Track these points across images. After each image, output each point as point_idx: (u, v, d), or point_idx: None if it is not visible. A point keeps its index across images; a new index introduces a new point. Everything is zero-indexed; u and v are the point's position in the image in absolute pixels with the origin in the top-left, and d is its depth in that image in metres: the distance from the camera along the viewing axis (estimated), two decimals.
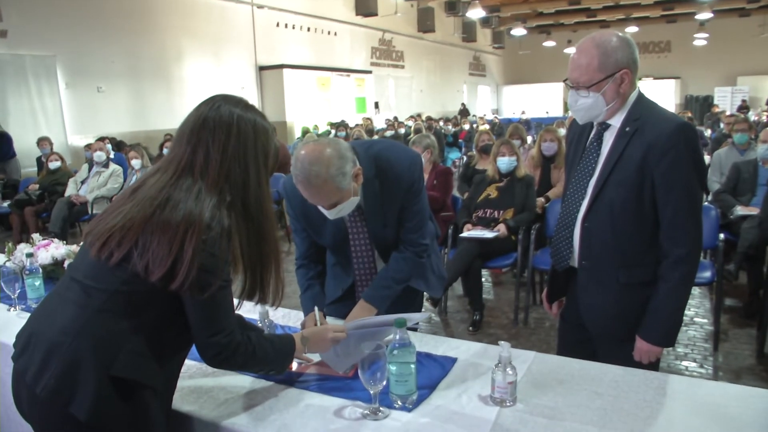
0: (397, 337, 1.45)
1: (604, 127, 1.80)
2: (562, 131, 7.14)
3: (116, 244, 1.27)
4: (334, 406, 1.49)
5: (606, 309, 1.85)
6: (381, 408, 1.44)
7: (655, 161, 1.67)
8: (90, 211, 6.14)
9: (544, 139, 5.11)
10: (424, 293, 2.28)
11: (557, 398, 1.50)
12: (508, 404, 1.46)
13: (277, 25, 12.94)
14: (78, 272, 1.35)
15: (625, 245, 1.77)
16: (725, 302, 4.22)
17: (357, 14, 15.12)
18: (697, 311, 4.20)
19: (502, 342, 1.47)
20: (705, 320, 4.03)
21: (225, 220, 1.30)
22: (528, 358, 1.71)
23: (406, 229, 1.99)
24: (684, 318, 3.90)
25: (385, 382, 1.43)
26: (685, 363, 3.42)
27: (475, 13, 15.41)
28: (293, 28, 13.20)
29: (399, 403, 1.46)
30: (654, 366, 1.85)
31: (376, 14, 15.17)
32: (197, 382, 1.65)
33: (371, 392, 1.43)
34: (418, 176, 1.96)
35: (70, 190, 6.32)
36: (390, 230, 2.00)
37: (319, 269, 2.14)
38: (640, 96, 1.77)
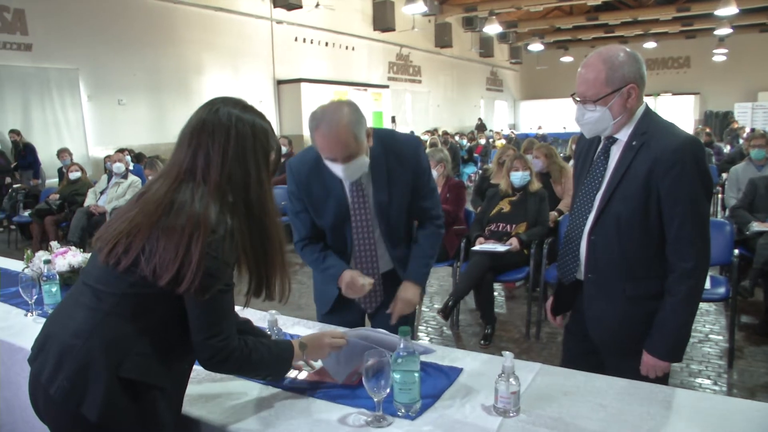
0: (402, 345, 1.47)
1: (611, 141, 1.81)
2: (555, 149, 7.12)
3: (123, 250, 1.31)
4: (339, 413, 1.51)
5: (612, 322, 1.85)
6: (385, 416, 1.45)
7: (660, 175, 1.68)
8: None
9: (534, 155, 5.08)
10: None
11: (561, 409, 1.50)
12: (511, 414, 1.47)
13: (296, 39, 13.11)
14: (89, 277, 1.40)
15: (632, 258, 1.77)
16: (741, 319, 4.17)
17: (375, 29, 15.28)
18: (713, 328, 4.15)
19: (506, 352, 1.48)
20: (720, 337, 3.98)
21: (228, 221, 1.33)
22: (534, 369, 1.71)
23: (427, 207, 2.16)
24: (698, 334, 3.91)
25: (389, 390, 1.45)
26: (699, 380, 3.38)
27: (493, 29, 15.47)
28: (311, 42, 13.36)
29: (402, 411, 1.48)
30: (663, 380, 1.83)
31: (393, 29, 15.31)
32: (205, 387, 1.68)
33: (375, 400, 1.45)
34: (423, 154, 2.13)
35: (89, 201, 6.44)
36: (394, 209, 2.06)
37: (324, 246, 2.16)
38: (647, 111, 1.78)
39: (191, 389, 1.57)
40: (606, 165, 1.82)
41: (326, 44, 13.78)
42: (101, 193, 6.45)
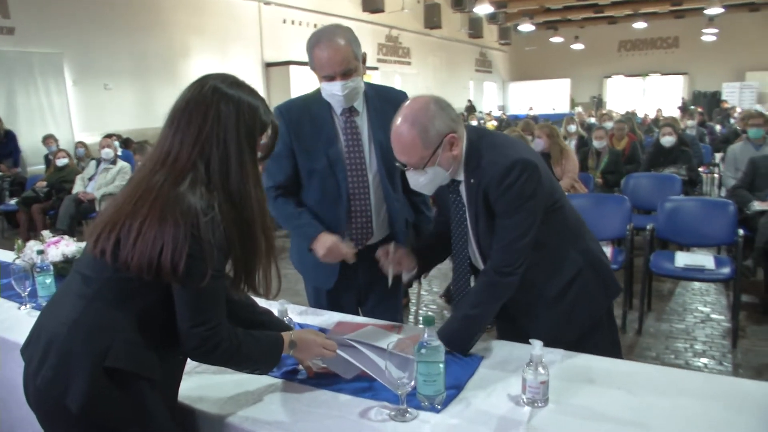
0: (426, 336, 1.40)
1: (456, 183, 1.76)
2: (573, 128, 7.10)
3: (106, 236, 1.25)
4: (359, 407, 1.44)
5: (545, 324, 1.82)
6: (409, 409, 1.39)
7: (493, 202, 1.67)
8: (97, 208, 6.11)
9: (536, 134, 5.19)
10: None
11: (590, 398, 1.45)
12: (540, 405, 1.41)
13: (284, 21, 12.88)
14: (80, 265, 1.36)
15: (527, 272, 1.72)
16: (741, 298, 4.16)
17: (364, 11, 15.05)
18: (714, 308, 4.14)
19: (534, 340, 1.42)
20: (722, 317, 3.97)
21: (208, 204, 1.25)
22: (556, 357, 1.65)
23: None
24: (700, 314, 3.90)
25: (413, 383, 1.38)
26: (704, 360, 3.37)
27: (483, 9, 15.28)
28: (300, 24, 13.14)
29: (426, 403, 1.42)
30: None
31: (382, 11, 15.10)
32: (207, 378, 1.60)
33: (398, 393, 1.38)
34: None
35: (77, 188, 6.29)
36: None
37: (299, 203, 2.09)
38: (470, 145, 1.70)
39: (189, 381, 1.50)
40: (462, 204, 1.78)
41: (315, 26, 13.54)
42: (90, 179, 6.30)
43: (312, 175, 2.06)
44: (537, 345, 1.42)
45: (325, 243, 1.96)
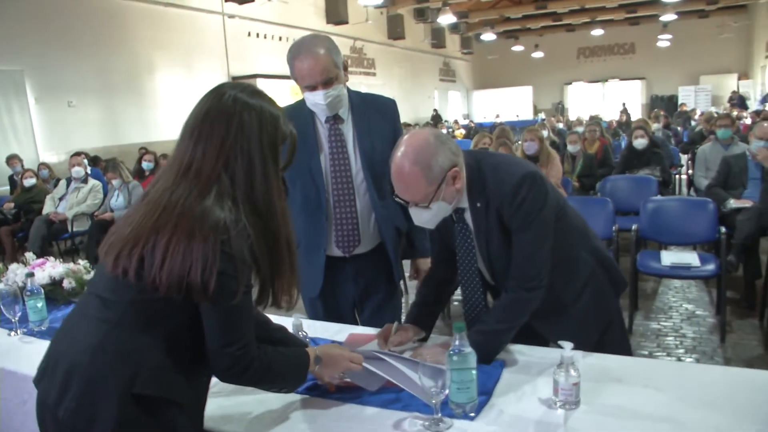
0: (457, 342, 1.38)
1: (461, 211, 1.76)
2: (545, 133, 7.22)
3: (127, 255, 1.18)
4: (391, 419, 1.41)
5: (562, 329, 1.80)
6: (443, 418, 1.36)
7: (508, 220, 1.67)
8: (70, 229, 5.91)
9: (526, 138, 5.29)
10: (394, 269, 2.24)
11: (621, 397, 1.45)
12: (572, 407, 1.40)
13: (249, 34, 12.78)
14: (97, 287, 1.28)
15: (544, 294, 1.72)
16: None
17: (328, 22, 15.04)
18: (697, 304, 4.22)
19: (564, 342, 1.41)
20: (706, 313, 4.05)
21: (236, 218, 1.20)
22: (577, 357, 1.64)
23: None
24: (685, 311, 3.96)
25: (447, 391, 1.35)
26: (695, 355, 3.42)
27: (446, 19, 15.45)
28: (265, 37, 13.06)
29: (459, 411, 1.39)
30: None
31: (346, 22, 15.12)
32: (228, 399, 1.55)
33: (432, 402, 1.35)
34: (399, 115, 2.22)
35: (48, 208, 6.07)
36: (378, 155, 2.03)
37: None
38: (471, 171, 1.70)
39: (210, 403, 1.44)
40: (469, 231, 1.77)
41: (279, 38, 13.49)
42: (60, 199, 6.10)
43: (294, 183, 2.05)
44: (567, 346, 1.41)
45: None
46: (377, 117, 2.12)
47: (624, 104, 19.43)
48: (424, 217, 1.68)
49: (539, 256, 1.66)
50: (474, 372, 1.39)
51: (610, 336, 1.89)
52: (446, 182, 1.62)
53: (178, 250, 1.16)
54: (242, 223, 1.21)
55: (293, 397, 1.52)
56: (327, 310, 2.16)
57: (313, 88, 1.95)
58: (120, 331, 1.20)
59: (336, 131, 2.06)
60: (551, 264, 1.70)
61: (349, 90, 2.08)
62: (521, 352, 1.73)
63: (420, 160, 1.58)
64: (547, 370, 1.55)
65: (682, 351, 3.49)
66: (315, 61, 1.91)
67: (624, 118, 14.53)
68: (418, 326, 1.86)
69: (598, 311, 1.84)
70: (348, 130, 2.08)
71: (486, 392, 1.49)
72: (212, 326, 1.22)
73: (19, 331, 2.13)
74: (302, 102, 2.05)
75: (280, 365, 1.36)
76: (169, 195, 1.22)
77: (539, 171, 1.72)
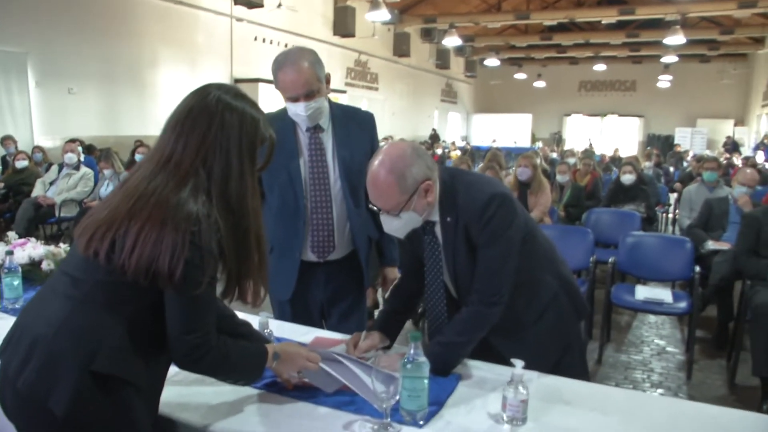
0: (412, 351, 1.42)
1: (431, 224, 1.82)
2: (537, 161, 7.31)
3: (100, 238, 1.23)
4: (342, 419, 1.45)
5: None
6: (392, 423, 1.40)
7: (476, 236, 1.72)
8: (57, 214, 5.93)
9: (520, 164, 5.35)
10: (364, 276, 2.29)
11: (567, 418, 1.49)
12: (518, 423, 1.45)
13: (255, 39, 12.87)
14: (68, 266, 1.33)
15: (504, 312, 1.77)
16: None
17: (335, 34, 15.18)
18: (669, 341, 4.28)
19: (516, 360, 1.46)
20: (677, 350, 4.10)
21: (206, 212, 1.25)
22: (532, 377, 1.69)
23: None
24: (656, 347, 4.02)
25: (398, 397, 1.40)
26: (660, 390, 3.47)
27: (451, 41, 15.62)
28: (271, 43, 13.15)
29: (409, 418, 1.43)
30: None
31: (353, 35, 15.25)
32: (186, 389, 1.58)
33: (383, 407, 1.39)
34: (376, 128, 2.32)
35: (37, 191, 6.09)
36: (355, 165, 2.11)
37: None
38: (444, 186, 1.76)
39: (170, 390, 1.47)
40: (438, 244, 1.83)
41: (285, 45, 13.59)
42: (51, 183, 6.12)
43: (272, 189, 2.12)
44: (519, 364, 1.45)
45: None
46: (356, 128, 2.20)
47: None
48: (394, 225, 1.73)
49: (501, 274, 1.71)
50: (426, 381, 1.43)
51: (569, 359, 1.93)
52: (419, 194, 1.68)
53: (150, 237, 1.20)
54: (214, 217, 1.26)
55: (250, 391, 1.56)
56: (295, 313, 2.21)
57: (295, 99, 2.02)
58: (85, 309, 1.24)
59: (316, 140, 2.13)
60: (514, 283, 1.75)
61: (330, 102, 2.15)
62: (479, 367, 1.78)
63: (395, 169, 1.65)
64: (501, 386, 1.58)
65: (648, 385, 3.54)
66: (298, 74, 1.98)
67: (616, 154, 14.65)
68: (384, 334, 1.90)
69: (557, 334, 1.89)
70: (328, 139, 2.15)
71: (438, 402, 1.53)
72: (174, 313, 1.27)
73: None
74: (284, 110, 2.12)
75: (238, 357, 1.40)
76: (147, 183, 1.27)
77: (510, 192, 1.78)
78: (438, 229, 1.80)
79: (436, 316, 1.91)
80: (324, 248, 2.15)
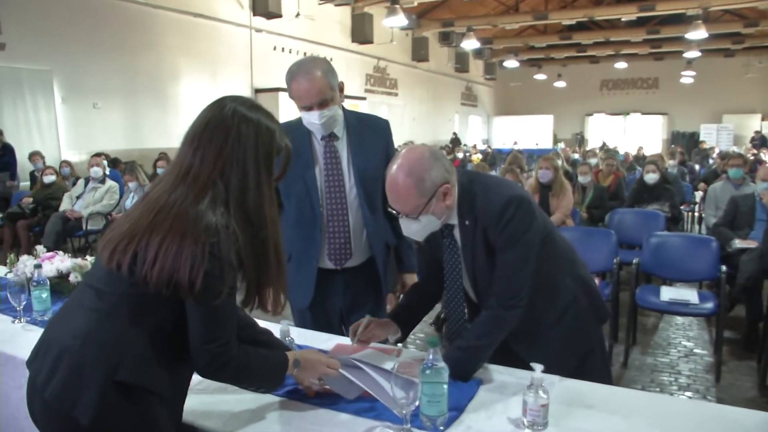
0: (431, 357, 1.43)
1: (450, 227, 1.82)
2: (559, 163, 7.25)
3: (122, 250, 1.26)
4: (362, 426, 1.46)
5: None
6: (412, 429, 1.41)
7: (493, 239, 1.73)
8: (84, 227, 6.06)
9: (540, 166, 5.31)
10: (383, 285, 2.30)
11: (587, 422, 1.48)
12: (539, 428, 1.44)
13: (274, 48, 13.01)
14: (92, 279, 1.37)
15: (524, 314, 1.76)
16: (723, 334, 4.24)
17: (353, 41, 15.27)
18: (696, 342, 4.21)
19: (535, 364, 1.46)
20: (705, 351, 4.04)
21: (226, 223, 1.27)
22: (553, 381, 1.69)
23: None
24: (683, 349, 3.96)
25: (418, 403, 1.40)
26: (688, 393, 3.41)
27: (470, 44, 15.60)
28: (290, 52, 13.29)
29: (429, 424, 1.44)
30: None
31: (371, 42, 15.33)
32: (208, 397, 1.61)
33: (402, 413, 1.40)
34: (392, 135, 2.32)
35: (64, 205, 6.24)
36: (370, 173, 2.14)
37: None
38: (462, 189, 1.77)
39: (192, 399, 1.50)
40: (456, 247, 1.84)
41: (304, 54, 13.71)
42: (78, 197, 6.26)
43: (289, 198, 2.15)
44: (538, 368, 1.45)
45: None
46: (371, 136, 2.22)
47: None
48: (413, 229, 1.74)
49: (520, 277, 1.71)
50: (445, 386, 1.43)
51: (591, 364, 1.92)
52: (437, 197, 1.69)
53: (171, 249, 1.23)
54: (232, 227, 1.29)
55: (271, 398, 1.58)
56: (315, 321, 2.23)
57: (309, 108, 2.05)
58: (109, 321, 1.28)
59: (331, 148, 2.16)
60: (533, 286, 1.75)
61: (344, 110, 2.18)
62: (499, 371, 1.77)
63: (414, 172, 1.66)
64: (522, 391, 1.58)
65: (675, 388, 3.49)
66: (311, 83, 2.01)
67: (640, 152, 14.44)
68: (397, 324, 1.92)
69: (577, 337, 1.88)
70: (342, 147, 2.17)
71: (458, 408, 1.53)
72: (196, 323, 1.29)
73: (22, 319, 2.22)
74: (299, 120, 2.15)
75: (259, 365, 1.42)
76: (167, 196, 1.30)
77: (528, 195, 1.78)
78: (457, 233, 1.81)
79: (455, 319, 1.91)
80: (341, 255, 2.17)
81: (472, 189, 1.77)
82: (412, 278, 2.35)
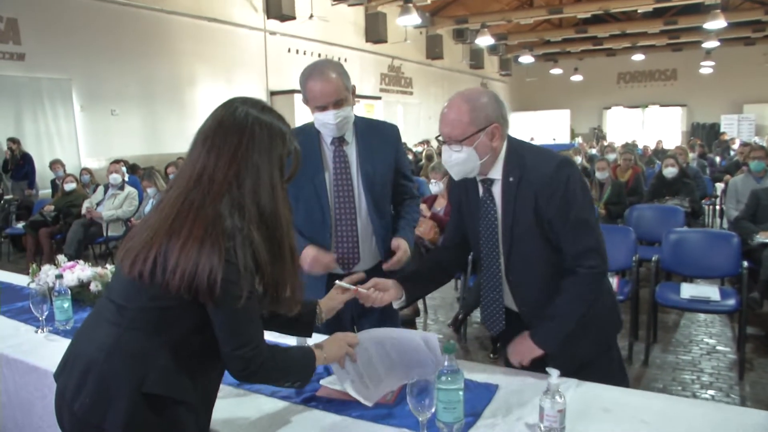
0: (446, 363, 1.43)
1: (489, 182, 1.81)
2: (578, 159, 7.19)
3: (142, 259, 1.27)
4: None
5: None
6: None
7: (545, 204, 1.71)
8: (105, 233, 6.14)
9: None
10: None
11: (604, 426, 1.47)
12: None
13: (288, 50, 13.08)
14: (113, 292, 1.38)
15: (553, 285, 1.76)
16: (747, 331, 4.18)
17: (367, 41, 15.29)
18: (719, 339, 4.15)
19: (551, 369, 1.45)
20: (727, 349, 3.98)
21: (242, 226, 1.28)
22: (570, 385, 1.68)
23: (408, 185, 2.35)
24: (705, 346, 3.91)
25: (434, 410, 1.41)
26: (711, 392, 3.37)
27: (484, 41, 15.53)
28: (304, 53, 13.35)
29: (446, 430, 1.44)
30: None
31: (385, 41, 15.33)
32: (230, 403, 1.63)
33: (419, 419, 1.41)
34: (401, 140, 2.34)
35: (84, 211, 6.33)
36: (378, 179, 2.16)
37: None
38: (511, 146, 1.77)
39: (221, 404, 1.52)
40: (495, 206, 1.82)
41: (319, 55, 13.74)
42: (98, 204, 6.35)
43: (298, 202, 2.15)
44: (554, 374, 1.44)
45: (308, 256, 2.06)
46: (380, 142, 2.23)
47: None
48: (453, 159, 1.75)
49: (591, 227, 1.71)
50: (461, 393, 1.43)
51: (607, 366, 1.91)
52: (486, 133, 1.71)
53: (190, 255, 1.23)
54: (247, 230, 1.29)
55: (290, 406, 1.61)
56: (327, 325, 2.22)
57: (323, 108, 2.06)
58: (131, 335, 1.29)
59: (340, 152, 2.17)
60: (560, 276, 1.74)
61: (354, 115, 2.19)
62: (516, 375, 1.77)
63: (472, 99, 1.72)
64: (538, 395, 1.57)
65: (697, 386, 3.44)
66: (327, 83, 2.04)
67: (660, 146, 14.26)
68: (402, 287, 1.90)
69: (595, 332, 1.85)
70: (352, 152, 2.18)
71: (474, 414, 1.53)
72: (222, 330, 1.30)
73: (45, 329, 2.26)
74: (310, 124, 2.17)
75: (289, 361, 1.44)
76: (182, 200, 1.30)
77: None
78: (497, 190, 1.79)
79: (491, 286, 1.90)
80: (349, 260, 2.18)
81: (521, 148, 1.78)
82: (404, 243, 2.22)
